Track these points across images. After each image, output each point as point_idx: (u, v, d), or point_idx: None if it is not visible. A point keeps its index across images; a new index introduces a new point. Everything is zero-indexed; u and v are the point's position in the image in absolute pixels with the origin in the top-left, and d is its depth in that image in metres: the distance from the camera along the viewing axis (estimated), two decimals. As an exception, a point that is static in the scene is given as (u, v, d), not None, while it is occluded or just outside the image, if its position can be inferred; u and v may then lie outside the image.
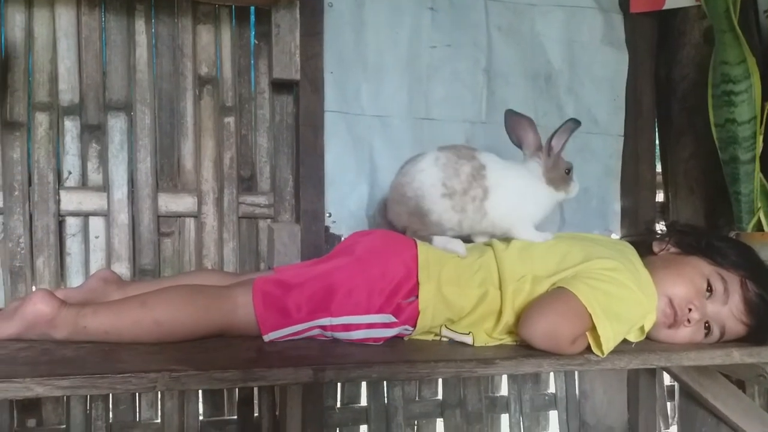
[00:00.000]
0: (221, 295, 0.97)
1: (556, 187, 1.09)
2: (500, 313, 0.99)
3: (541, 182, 1.08)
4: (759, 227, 1.27)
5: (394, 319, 0.97)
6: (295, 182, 1.36)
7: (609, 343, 0.93)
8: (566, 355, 0.93)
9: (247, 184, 1.38)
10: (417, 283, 0.98)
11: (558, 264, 1.02)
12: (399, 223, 1.10)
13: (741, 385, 1.38)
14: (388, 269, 0.98)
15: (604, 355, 0.93)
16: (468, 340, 1.00)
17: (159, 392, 1.32)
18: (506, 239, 1.09)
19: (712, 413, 1.40)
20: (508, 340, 1.01)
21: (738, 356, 1.02)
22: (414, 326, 1.00)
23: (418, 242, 1.04)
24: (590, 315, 0.92)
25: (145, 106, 1.30)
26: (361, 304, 0.96)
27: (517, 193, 1.07)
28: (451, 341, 1.02)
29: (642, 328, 1.02)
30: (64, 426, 1.27)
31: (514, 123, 1.12)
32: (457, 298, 0.99)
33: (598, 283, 0.96)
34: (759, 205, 1.27)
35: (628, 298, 0.97)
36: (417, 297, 0.98)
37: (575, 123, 1.08)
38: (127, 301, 0.94)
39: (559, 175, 1.08)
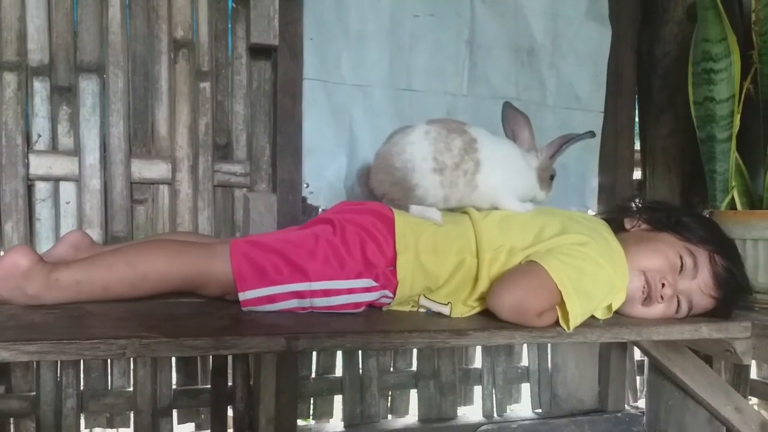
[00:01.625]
0: (199, 244, 0.98)
1: (540, 185, 1.13)
2: (476, 279, 1.00)
3: (533, 171, 1.12)
4: (732, 206, 1.28)
5: (374, 284, 0.96)
6: (272, 151, 1.34)
7: (576, 319, 0.94)
8: (537, 327, 0.93)
9: (223, 151, 1.36)
10: (395, 254, 0.98)
11: (535, 237, 1.02)
12: (379, 190, 1.09)
13: (708, 360, 1.41)
14: (366, 239, 0.97)
15: (570, 330, 0.94)
16: (445, 310, 1.00)
17: (131, 360, 1.31)
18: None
19: (679, 387, 1.44)
20: (479, 308, 1.01)
21: (706, 331, 1.03)
22: (393, 294, 0.99)
23: (395, 212, 1.03)
24: (560, 291, 0.92)
25: (118, 68, 1.26)
26: (340, 270, 0.95)
27: (508, 166, 1.09)
28: (429, 311, 1.02)
29: (609, 307, 1.03)
30: (34, 393, 1.25)
31: (511, 118, 1.15)
32: (435, 265, 0.99)
33: (571, 259, 0.96)
34: (733, 183, 1.28)
35: (599, 276, 0.98)
36: (395, 267, 0.98)
37: (579, 136, 1.13)
38: (100, 253, 0.98)
39: (545, 177, 1.14)
